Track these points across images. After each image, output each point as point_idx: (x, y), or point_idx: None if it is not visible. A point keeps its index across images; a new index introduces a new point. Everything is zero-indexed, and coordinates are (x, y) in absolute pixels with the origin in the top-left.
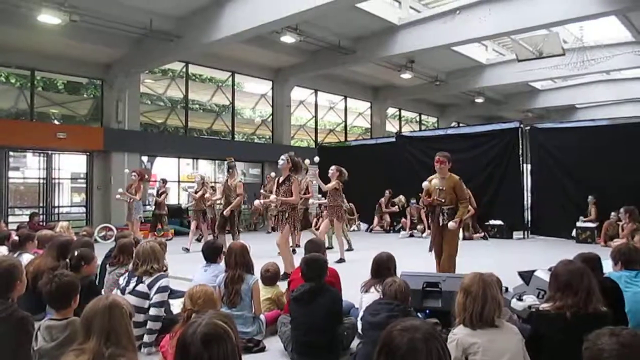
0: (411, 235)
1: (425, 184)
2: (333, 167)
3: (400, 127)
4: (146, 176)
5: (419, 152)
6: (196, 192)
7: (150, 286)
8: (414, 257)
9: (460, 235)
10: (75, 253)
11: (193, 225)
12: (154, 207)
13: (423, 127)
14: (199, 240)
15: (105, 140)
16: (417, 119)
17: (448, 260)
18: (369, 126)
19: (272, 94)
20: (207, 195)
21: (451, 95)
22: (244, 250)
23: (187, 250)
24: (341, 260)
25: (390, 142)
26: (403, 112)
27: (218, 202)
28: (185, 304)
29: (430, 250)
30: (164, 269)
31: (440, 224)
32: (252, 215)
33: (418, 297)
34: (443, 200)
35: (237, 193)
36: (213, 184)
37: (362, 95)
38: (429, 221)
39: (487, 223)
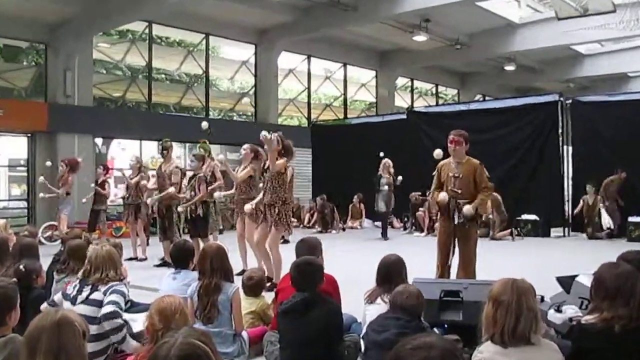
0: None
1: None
2: (246, 146)
3: (413, 102)
4: (88, 166)
5: (435, 132)
6: (130, 179)
7: (105, 293)
8: (430, 261)
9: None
10: (21, 267)
11: (132, 228)
12: (92, 201)
13: (441, 101)
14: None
15: (50, 118)
16: (434, 91)
17: (467, 266)
18: (374, 100)
19: (255, 61)
20: (143, 183)
21: (475, 62)
22: (221, 254)
23: (139, 259)
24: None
25: (401, 120)
26: (416, 83)
27: (155, 193)
28: (152, 320)
29: (441, 255)
30: (121, 278)
31: (456, 223)
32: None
33: (434, 308)
34: (459, 192)
35: (172, 182)
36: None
37: (366, 62)
38: (438, 217)
39: (518, 218)
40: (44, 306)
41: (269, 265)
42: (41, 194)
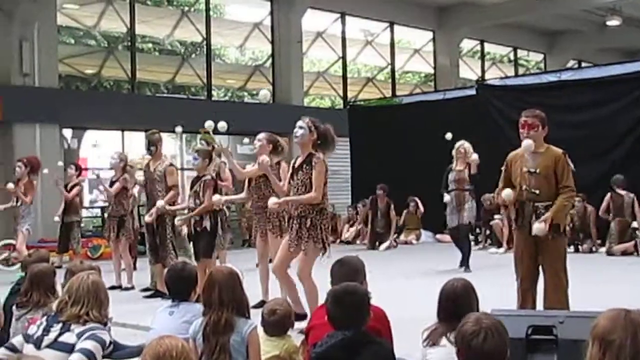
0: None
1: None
2: (261, 136)
3: (484, 72)
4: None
5: (514, 111)
6: (112, 184)
7: (80, 336)
8: (512, 286)
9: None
10: None
11: (114, 246)
12: (62, 211)
13: (521, 70)
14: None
15: (4, 105)
16: (511, 56)
17: (555, 289)
18: (432, 71)
19: (271, 23)
20: (129, 187)
21: (566, 16)
22: (233, 280)
23: (126, 288)
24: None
25: (468, 96)
26: (487, 47)
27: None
28: None
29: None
30: (105, 320)
31: (533, 233)
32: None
33: (520, 349)
34: (537, 192)
35: (170, 184)
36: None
37: (420, 20)
38: (511, 226)
39: (635, 226)
40: (1, 352)
41: (294, 297)
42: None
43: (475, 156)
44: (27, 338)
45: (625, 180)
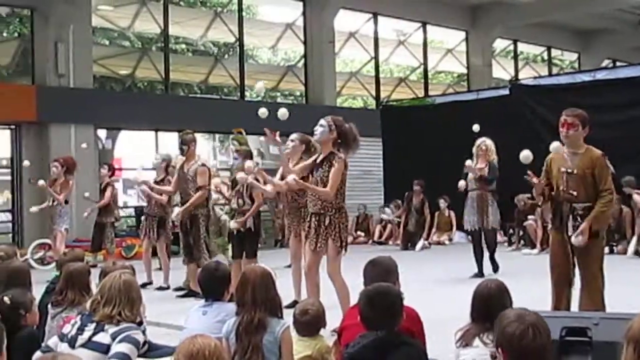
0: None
1: (555, 145)
2: (294, 136)
3: (517, 71)
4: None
5: (549, 112)
6: (156, 184)
7: (114, 337)
8: (547, 287)
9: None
10: (5, 299)
11: (146, 243)
12: (98, 211)
13: (555, 70)
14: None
15: (39, 105)
16: (545, 56)
17: (591, 292)
18: (465, 71)
19: (303, 24)
20: (169, 190)
21: (600, 14)
22: (266, 280)
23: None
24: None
25: (502, 96)
26: (521, 46)
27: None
28: None
29: (556, 279)
30: (138, 319)
31: (570, 234)
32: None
33: (553, 351)
34: (575, 194)
35: (199, 184)
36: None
37: (452, 19)
38: (549, 227)
39: None
40: (37, 356)
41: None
42: (33, 208)
43: (461, 183)
44: (62, 337)
45: None
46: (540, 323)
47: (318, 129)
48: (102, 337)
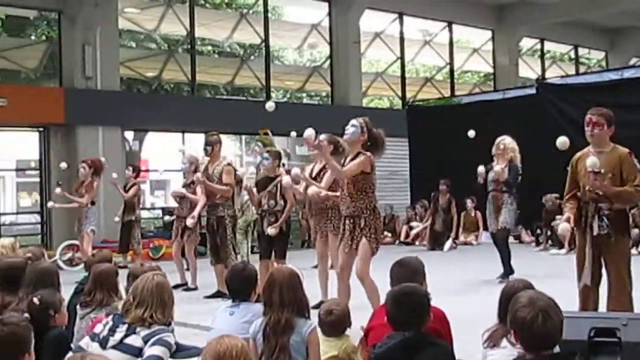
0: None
1: (561, 140)
2: (322, 137)
3: (544, 70)
4: (106, 166)
5: (576, 111)
6: (185, 187)
7: (146, 340)
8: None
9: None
10: (35, 300)
11: (176, 245)
12: (122, 211)
13: (582, 69)
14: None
15: (67, 107)
16: (572, 55)
17: (619, 292)
18: (491, 70)
19: (329, 24)
20: (198, 190)
21: (629, 12)
22: (293, 281)
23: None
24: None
25: (528, 96)
26: (548, 45)
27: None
28: None
29: (582, 281)
30: (169, 321)
31: (595, 233)
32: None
33: (583, 352)
34: (601, 193)
35: (225, 182)
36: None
37: (478, 19)
38: (575, 227)
39: None
40: (69, 356)
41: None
42: (50, 203)
43: (480, 168)
44: (94, 337)
45: None
46: (551, 307)
47: (350, 129)
48: (134, 340)
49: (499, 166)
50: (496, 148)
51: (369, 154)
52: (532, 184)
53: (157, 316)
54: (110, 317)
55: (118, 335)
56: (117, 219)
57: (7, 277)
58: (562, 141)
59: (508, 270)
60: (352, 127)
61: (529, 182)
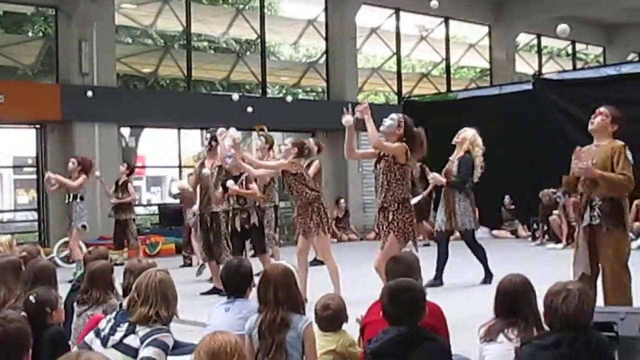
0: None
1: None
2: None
3: (541, 66)
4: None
5: (572, 107)
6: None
7: (143, 340)
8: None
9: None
10: (31, 298)
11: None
12: (113, 208)
13: (580, 64)
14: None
15: (63, 104)
16: (569, 50)
17: (614, 286)
18: (488, 66)
19: (325, 20)
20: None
21: (627, 7)
22: (288, 278)
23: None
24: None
25: (525, 91)
26: (545, 41)
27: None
28: None
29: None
30: (168, 320)
31: (586, 224)
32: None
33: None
34: (593, 185)
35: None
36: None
37: (475, 14)
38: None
39: None
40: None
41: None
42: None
43: (468, 137)
44: (97, 332)
45: None
46: (583, 290)
47: (387, 121)
48: (132, 340)
49: (453, 157)
50: (456, 137)
51: (404, 144)
52: (529, 180)
53: (162, 313)
54: (114, 314)
55: (118, 335)
56: (97, 173)
57: (4, 275)
58: (562, 28)
59: (487, 270)
60: (390, 120)
61: (526, 177)
